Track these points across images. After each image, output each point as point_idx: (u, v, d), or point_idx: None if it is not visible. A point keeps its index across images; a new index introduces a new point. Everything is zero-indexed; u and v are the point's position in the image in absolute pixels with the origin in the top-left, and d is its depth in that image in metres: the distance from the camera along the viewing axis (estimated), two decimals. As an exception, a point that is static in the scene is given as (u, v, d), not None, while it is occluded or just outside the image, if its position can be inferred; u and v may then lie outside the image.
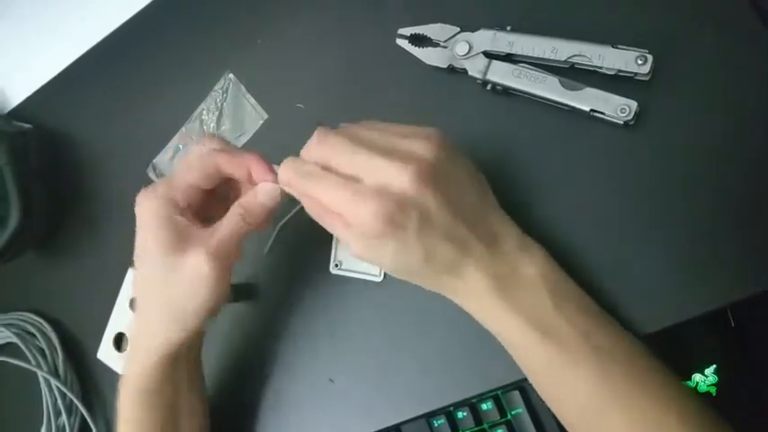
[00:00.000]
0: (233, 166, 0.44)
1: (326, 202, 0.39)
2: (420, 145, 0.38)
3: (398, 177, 0.37)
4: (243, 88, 0.58)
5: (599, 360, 0.38)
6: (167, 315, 0.44)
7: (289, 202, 0.43)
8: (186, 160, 0.45)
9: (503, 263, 0.40)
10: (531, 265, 0.41)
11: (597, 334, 0.40)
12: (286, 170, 0.41)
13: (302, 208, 0.41)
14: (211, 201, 0.46)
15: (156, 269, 0.43)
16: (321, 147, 0.40)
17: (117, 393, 0.47)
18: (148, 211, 0.44)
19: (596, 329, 0.40)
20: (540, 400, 0.46)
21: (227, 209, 0.44)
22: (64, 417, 0.61)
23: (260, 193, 0.43)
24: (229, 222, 0.43)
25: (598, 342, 0.39)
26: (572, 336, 0.39)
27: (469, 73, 0.48)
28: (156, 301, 0.45)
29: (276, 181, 0.43)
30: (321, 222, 0.40)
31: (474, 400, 0.48)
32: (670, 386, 0.39)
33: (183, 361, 0.47)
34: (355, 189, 0.37)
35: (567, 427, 0.41)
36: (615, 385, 0.38)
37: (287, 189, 0.42)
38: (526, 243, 0.42)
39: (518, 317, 0.39)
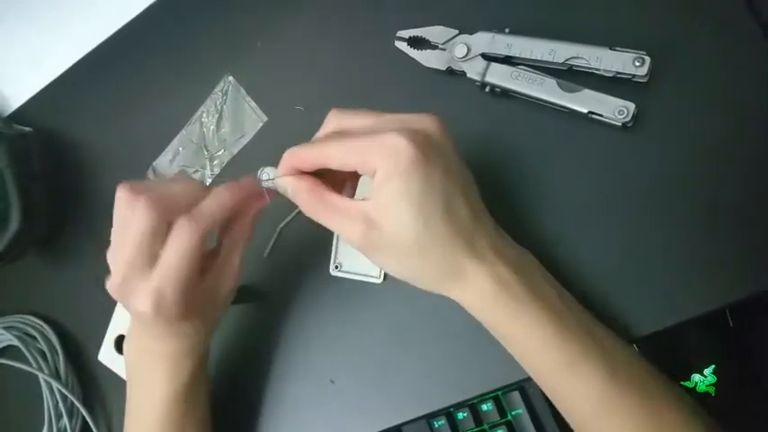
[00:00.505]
0: (215, 223, 0.41)
1: (346, 155, 0.37)
2: (432, 116, 0.38)
3: (423, 122, 0.37)
4: (242, 91, 0.58)
5: (607, 359, 0.38)
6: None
7: (287, 205, 0.43)
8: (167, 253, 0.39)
9: (512, 249, 0.40)
10: (533, 258, 0.41)
11: (599, 332, 0.40)
12: (293, 149, 0.39)
13: (301, 211, 0.41)
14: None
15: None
16: (337, 116, 0.39)
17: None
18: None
19: (597, 328, 0.40)
20: (541, 400, 0.46)
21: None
22: (65, 419, 0.62)
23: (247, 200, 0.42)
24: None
25: (603, 341, 0.39)
26: (583, 334, 0.39)
27: (468, 75, 0.48)
28: None
29: (251, 182, 0.41)
30: (318, 214, 0.39)
31: (474, 401, 0.48)
32: (667, 388, 0.39)
33: (193, 355, 0.46)
34: (381, 130, 0.36)
35: (572, 426, 0.41)
36: (621, 385, 0.38)
37: (281, 183, 0.40)
38: (513, 241, 0.42)
39: (535, 306, 0.38)
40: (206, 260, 0.43)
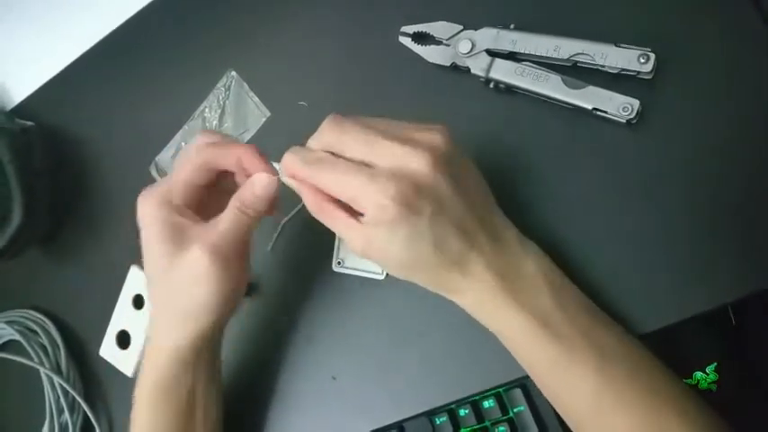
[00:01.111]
0: (222, 158, 0.44)
1: (337, 189, 0.38)
2: (434, 136, 0.38)
3: (415, 162, 0.37)
4: (245, 86, 0.58)
5: (600, 359, 0.38)
6: (178, 312, 0.45)
7: (292, 199, 0.43)
8: (180, 158, 0.45)
9: (507, 260, 0.40)
10: (533, 264, 0.41)
11: (598, 333, 0.40)
12: (291, 158, 0.40)
13: (305, 205, 0.41)
14: (216, 196, 0.46)
15: (161, 269, 0.43)
16: (334, 130, 0.39)
17: (135, 385, 0.48)
18: (148, 213, 0.44)
19: (597, 328, 0.40)
20: (542, 397, 0.46)
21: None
22: (66, 414, 0.62)
23: (256, 184, 0.43)
24: (227, 216, 0.43)
25: (599, 341, 0.39)
26: (574, 335, 0.39)
27: (472, 71, 0.48)
28: (166, 299, 0.45)
29: (267, 169, 0.43)
30: (322, 217, 0.40)
31: (476, 398, 0.48)
32: (671, 385, 0.39)
33: (201, 353, 0.46)
34: (371, 172, 0.37)
35: (570, 426, 0.41)
36: (617, 384, 0.38)
37: (287, 180, 0.41)
38: (525, 242, 0.42)
39: (522, 315, 0.39)
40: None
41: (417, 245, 0.37)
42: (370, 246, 0.38)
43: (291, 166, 0.40)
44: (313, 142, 0.40)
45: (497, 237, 0.40)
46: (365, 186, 0.37)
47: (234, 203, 0.43)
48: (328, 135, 0.39)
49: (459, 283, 0.39)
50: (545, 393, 0.41)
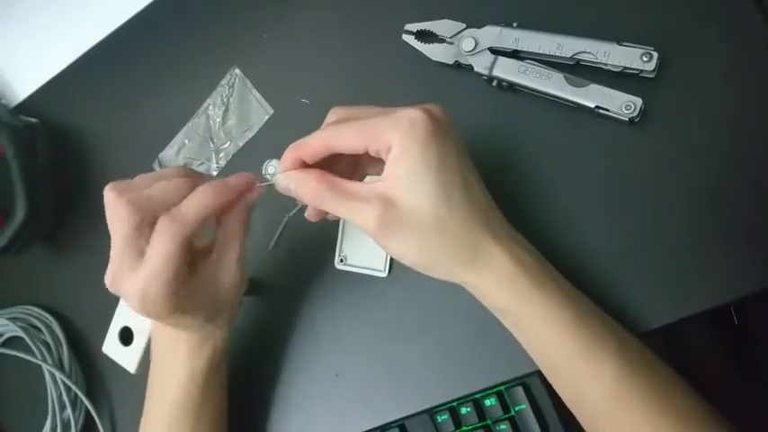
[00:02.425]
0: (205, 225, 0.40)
1: (359, 134, 0.36)
2: (439, 107, 0.38)
3: (430, 107, 0.37)
4: (249, 83, 0.58)
5: (621, 347, 0.38)
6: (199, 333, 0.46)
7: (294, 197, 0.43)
8: (150, 254, 0.38)
9: (518, 236, 0.40)
10: (537, 253, 0.41)
11: (613, 323, 0.40)
12: (294, 144, 0.39)
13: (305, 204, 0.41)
14: None
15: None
16: (343, 108, 0.39)
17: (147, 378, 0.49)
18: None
19: (605, 316, 0.40)
20: (544, 396, 0.46)
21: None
22: (69, 410, 0.62)
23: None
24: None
25: (616, 329, 0.39)
26: (596, 319, 0.39)
27: (475, 69, 0.48)
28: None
29: (246, 181, 0.41)
30: (329, 204, 0.37)
31: (478, 396, 0.48)
32: (676, 380, 0.39)
33: (207, 346, 0.47)
34: (390, 112, 0.36)
35: (583, 420, 0.40)
36: (634, 370, 0.38)
37: (284, 177, 0.39)
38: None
39: (555, 291, 0.38)
40: (201, 254, 0.43)
41: (448, 172, 0.35)
42: (390, 205, 0.35)
43: (298, 145, 0.38)
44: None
45: (501, 215, 0.40)
46: (391, 115, 0.36)
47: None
48: (338, 111, 0.39)
49: (484, 245, 0.37)
50: (557, 382, 0.40)
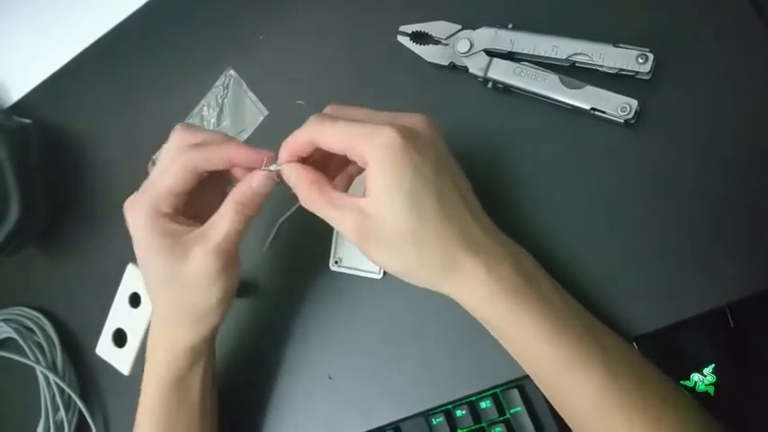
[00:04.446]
0: (208, 162, 0.42)
1: (340, 137, 0.38)
2: (422, 117, 0.40)
3: (414, 121, 0.38)
4: (244, 84, 0.58)
5: (606, 357, 0.38)
6: (192, 313, 0.45)
7: (288, 198, 0.43)
8: (160, 163, 0.43)
9: (506, 245, 0.40)
10: (527, 257, 0.41)
11: (598, 329, 0.40)
12: (288, 139, 0.40)
13: (301, 205, 0.41)
14: (201, 190, 0.44)
15: (163, 278, 0.43)
16: (335, 106, 0.40)
17: (142, 387, 0.48)
18: (139, 225, 0.43)
19: (595, 324, 0.40)
20: (539, 398, 0.46)
21: (222, 193, 0.43)
22: (62, 412, 0.61)
23: (254, 181, 0.42)
24: (226, 216, 0.42)
25: (601, 338, 0.39)
26: (579, 328, 0.39)
27: (470, 71, 0.48)
28: (177, 304, 0.45)
29: (260, 158, 0.42)
30: (316, 207, 0.39)
31: (473, 399, 0.48)
32: (664, 384, 0.39)
33: (211, 346, 0.48)
34: (374, 123, 0.37)
35: (571, 426, 0.40)
36: (620, 383, 0.38)
37: (283, 168, 0.41)
38: (508, 238, 0.42)
39: (529, 304, 0.38)
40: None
41: (423, 190, 0.37)
42: (368, 218, 0.37)
43: (289, 139, 0.40)
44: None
45: (488, 225, 0.40)
46: (369, 130, 0.37)
47: (231, 206, 0.42)
48: (330, 109, 0.41)
49: (461, 258, 0.38)
50: (545, 391, 0.41)
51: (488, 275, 0.38)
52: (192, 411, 0.48)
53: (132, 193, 0.44)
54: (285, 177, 0.41)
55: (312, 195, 0.39)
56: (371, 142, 0.37)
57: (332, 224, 0.40)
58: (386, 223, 0.37)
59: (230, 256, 0.43)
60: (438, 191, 0.37)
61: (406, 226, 0.37)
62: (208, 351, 0.48)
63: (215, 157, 0.42)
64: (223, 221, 0.42)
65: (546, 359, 0.39)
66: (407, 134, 0.37)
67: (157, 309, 0.46)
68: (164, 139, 0.60)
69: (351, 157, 0.38)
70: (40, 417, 0.62)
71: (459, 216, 0.38)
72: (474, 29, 0.48)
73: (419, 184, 0.37)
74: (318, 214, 0.40)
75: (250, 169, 0.43)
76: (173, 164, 0.42)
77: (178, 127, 0.44)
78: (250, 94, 0.58)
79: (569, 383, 0.38)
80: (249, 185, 0.42)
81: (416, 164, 0.36)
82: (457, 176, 0.40)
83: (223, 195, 0.43)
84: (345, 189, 0.43)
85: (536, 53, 0.46)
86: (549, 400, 0.41)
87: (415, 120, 0.39)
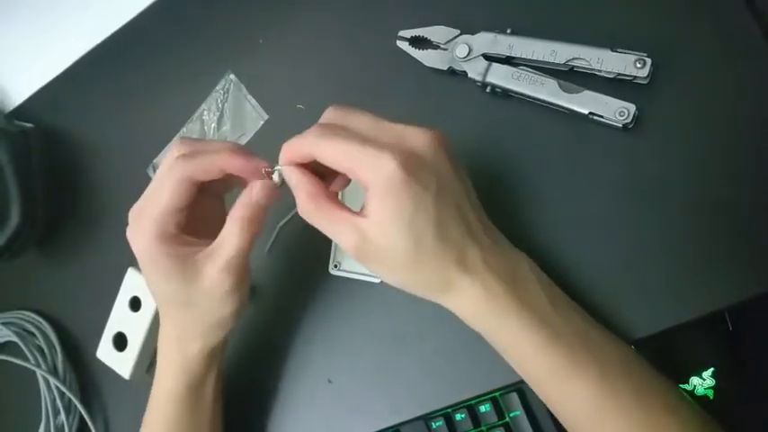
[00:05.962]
0: (202, 173, 0.41)
1: (340, 156, 0.37)
2: (428, 129, 0.38)
3: (419, 140, 0.37)
4: (244, 89, 0.58)
5: (600, 363, 0.38)
6: (201, 328, 0.45)
7: (288, 202, 0.43)
8: (155, 177, 0.42)
9: (502, 258, 0.40)
10: (526, 265, 0.41)
11: (593, 335, 0.40)
12: (290, 141, 0.39)
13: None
14: (205, 199, 0.44)
15: (176, 299, 0.44)
16: (338, 111, 0.39)
17: (151, 396, 0.48)
18: (145, 252, 0.42)
19: (591, 331, 0.40)
20: (539, 402, 0.46)
21: (222, 201, 0.44)
22: (62, 416, 0.62)
23: (254, 191, 0.42)
24: (233, 231, 0.42)
25: (596, 344, 0.39)
26: (573, 337, 0.39)
27: (469, 75, 0.48)
28: (185, 322, 0.45)
29: (256, 167, 0.41)
30: (317, 216, 0.39)
31: (472, 402, 0.48)
32: (664, 389, 0.39)
33: (224, 351, 0.49)
34: (376, 142, 0.36)
35: (567, 429, 0.41)
36: (616, 390, 0.38)
37: (284, 171, 0.40)
38: (511, 245, 0.42)
39: (522, 314, 0.38)
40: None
41: (422, 221, 0.36)
42: (366, 239, 0.37)
43: (289, 147, 0.39)
44: (321, 119, 0.40)
45: (491, 234, 0.40)
46: (370, 155, 0.36)
47: (236, 223, 0.42)
48: (332, 114, 0.40)
49: (456, 278, 0.38)
50: (544, 400, 0.41)
51: (484, 295, 0.38)
52: (206, 414, 0.49)
53: (133, 198, 0.44)
54: (286, 177, 0.41)
55: (310, 208, 0.39)
56: (371, 172, 0.36)
57: (329, 236, 0.39)
58: (383, 248, 0.37)
59: (242, 270, 0.43)
60: (437, 220, 0.37)
61: (402, 253, 0.37)
62: (220, 355, 0.49)
63: (208, 167, 0.41)
64: (231, 236, 0.42)
65: (541, 368, 0.39)
66: (409, 164, 0.36)
67: (169, 326, 0.47)
68: (165, 143, 0.61)
69: (351, 177, 0.38)
70: (41, 420, 0.62)
71: (459, 240, 0.38)
72: (473, 34, 0.48)
73: (419, 217, 0.36)
74: (316, 227, 0.40)
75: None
76: (168, 178, 0.41)
77: (176, 140, 0.44)
78: (250, 98, 0.58)
79: (566, 391, 0.39)
80: (249, 196, 0.42)
81: (417, 196, 0.36)
82: (460, 195, 0.39)
83: (222, 202, 0.43)
84: (344, 187, 0.43)
85: (534, 58, 0.46)
86: (547, 406, 0.41)
87: (421, 140, 0.37)
